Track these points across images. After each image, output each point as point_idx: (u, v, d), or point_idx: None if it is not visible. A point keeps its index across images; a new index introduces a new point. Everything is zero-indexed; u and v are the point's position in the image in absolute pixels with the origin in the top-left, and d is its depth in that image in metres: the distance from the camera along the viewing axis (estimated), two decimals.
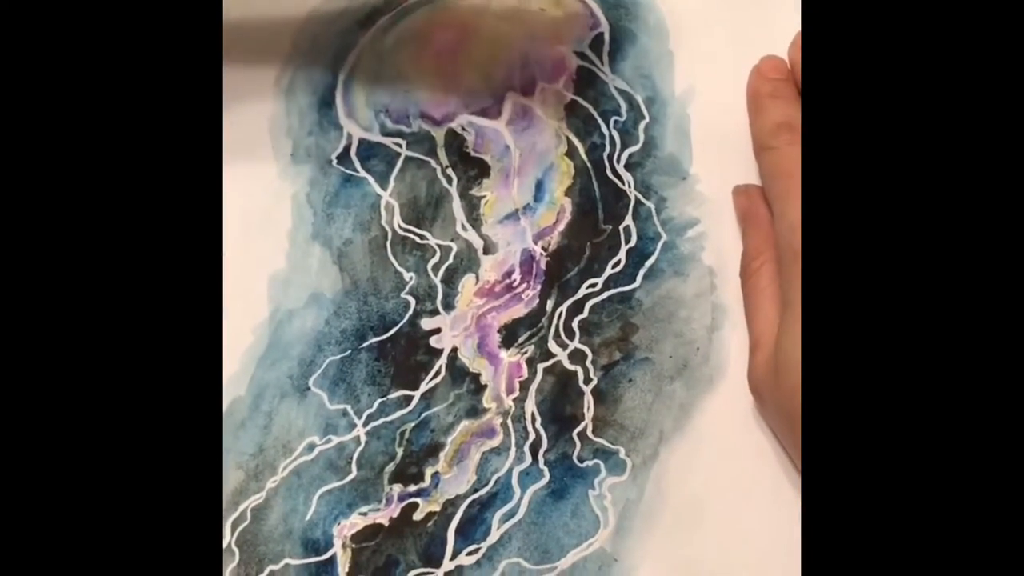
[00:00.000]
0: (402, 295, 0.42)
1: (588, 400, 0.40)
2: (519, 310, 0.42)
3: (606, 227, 0.42)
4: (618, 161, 0.43)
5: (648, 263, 0.42)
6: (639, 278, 0.41)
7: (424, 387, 0.41)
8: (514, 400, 0.40)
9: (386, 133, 0.44)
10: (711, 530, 0.38)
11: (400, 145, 0.44)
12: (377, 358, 0.41)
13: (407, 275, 0.42)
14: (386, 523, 0.39)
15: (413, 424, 0.40)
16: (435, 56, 0.45)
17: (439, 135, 0.44)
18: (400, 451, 0.40)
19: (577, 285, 0.42)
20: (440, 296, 0.42)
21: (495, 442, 0.40)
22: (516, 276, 0.42)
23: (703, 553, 0.38)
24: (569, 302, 0.41)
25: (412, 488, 0.40)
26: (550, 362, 0.41)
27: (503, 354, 0.41)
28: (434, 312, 0.42)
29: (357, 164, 0.44)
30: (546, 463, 0.39)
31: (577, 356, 0.41)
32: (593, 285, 0.41)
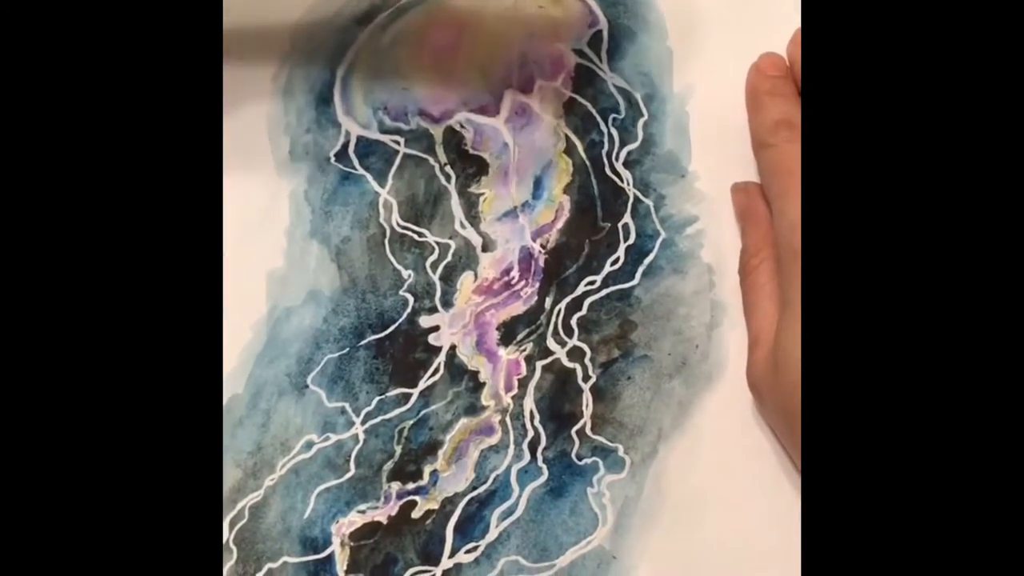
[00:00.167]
0: (400, 293, 0.42)
1: (587, 398, 0.40)
2: (518, 308, 0.41)
3: (605, 224, 0.42)
4: (617, 159, 0.43)
5: (647, 260, 0.42)
6: (638, 275, 0.41)
7: (422, 385, 0.41)
8: (513, 398, 0.40)
9: (384, 130, 0.44)
10: (710, 528, 0.38)
11: (398, 142, 0.44)
12: (375, 356, 0.41)
13: (405, 273, 0.42)
14: (384, 521, 0.39)
15: (411, 422, 0.40)
16: (433, 53, 0.45)
17: (437, 132, 0.44)
18: (398, 449, 0.40)
19: (576, 282, 0.42)
20: (439, 294, 0.42)
21: (494, 440, 0.40)
22: (515, 274, 0.42)
23: (702, 550, 0.38)
24: (568, 299, 0.41)
25: (410, 486, 0.39)
26: (549, 360, 0.41)
27: (502, 352, 0.41)
28: (432, 310, 0.42)
29: (355, 162, 0.44)
30: (545, 461, 0.39)
31: (576, 354, 0.41)
32: (592, 283, 0.41)
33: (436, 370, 0.41)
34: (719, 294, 0.41)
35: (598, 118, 0.44)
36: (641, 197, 0.42)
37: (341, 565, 0.39)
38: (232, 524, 0.39)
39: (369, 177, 0.44)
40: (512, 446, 0.40)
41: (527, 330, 0.41)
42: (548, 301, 0.41)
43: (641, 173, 0.43)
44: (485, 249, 0.42)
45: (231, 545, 0.39)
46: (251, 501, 0.39)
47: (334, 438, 0.40)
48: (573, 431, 0.40)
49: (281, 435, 0.40)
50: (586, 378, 0.40)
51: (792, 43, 0.41)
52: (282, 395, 0.41)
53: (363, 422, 0.40)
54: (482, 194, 0.43)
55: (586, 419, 0.40)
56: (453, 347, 0.41)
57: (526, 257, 0.42)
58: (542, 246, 0.42)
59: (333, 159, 0.44)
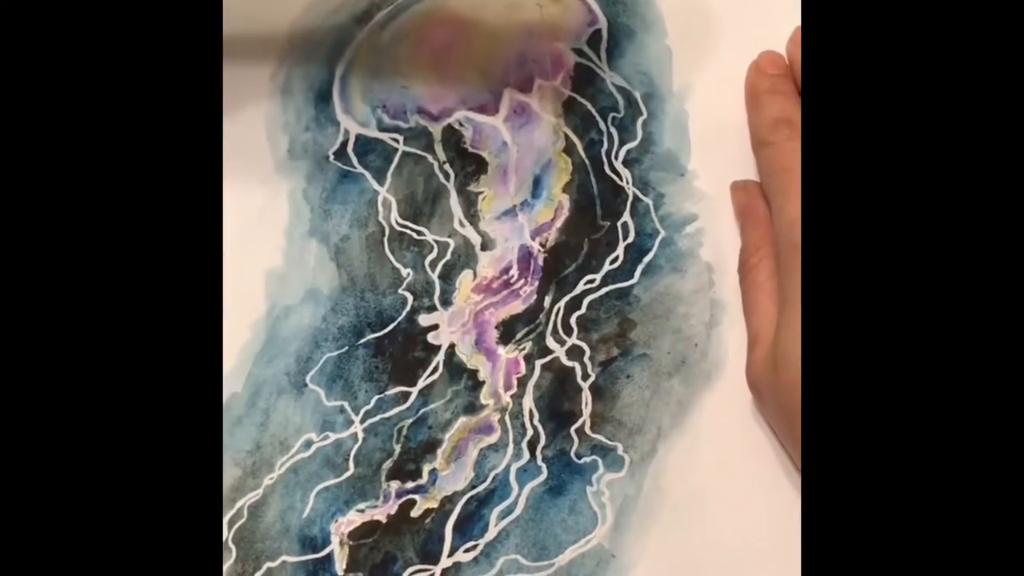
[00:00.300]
0: (399, 291, 0.42)
1: (586, 396, 0.40)
2: (517, 306, 0.41)
3: (604, 223, 0.42)
4: (616, 157, 0.43)
5: (646, 259, 0.41)
6: (637, 274, 0.41)
7: (422, 383, 0.41)
8: (512, 396, 0.40)
9: (383, 129, 0.44)
10: (709, 526, 0.38)
11: (397, 141, 0.44)
12: (374, 354, 0.41)
13: (404, 271, 0.42)
14: (384, 520, 0.39)
15: (411, 421, 0.40)
16: (432, 52, 0.45)
17: (437, 131, 0.44)
18: (398, 448, 0.40)
19: (575, 281, 0.41)
20: (438, 292, 0.42)
21: (493, 439, 0.40)
22: (514, 272, 0.42)
23: (701, 549, 0.38)
24: (567, 298, 0.41)
25: (410, 485, 0.39)
26: (548, 358, 0.41)
27: (501, 350, 0.41)
28: (432, 308, 0.42)
29: (354, 160, 0.44)
30: (544, 459, 0.39)
31: (575, 352, 0.41)
32: (591, 281, 0.41)
33: (435, 369, 0.41)
34: (718, 293, 0.41)
35: (597, 117, 0.44)
36: (640, 196, 0.42)
37: (340, 564, 0.39)
38: (231, 523, 0.39)
39: (368, 175, 0.44)
40: (511, 445, 0.40)
41: (526, 329, 0.41)
42: (547, 300, 0.41)
43: (640, 172, 0.43)
44: (484, 248, 0.42)
45: (230, 544, 0.39)
46: (250, 500, 0.39)
47: (333, 437, 0.40)
48: (572, 430, 0.40)
49: (280, 434, 0.40)
50: (585, 377, 0.40)
51: (791, 41, 0.41)
52: (281, 394, 0.41)
53: (362, 421, 0.40)
54: (481, 192, 0.43)
55: (585, 418, 0.40)
56: (452, 346, 0.41)
57: (525, 256, 0.42)
58: (541, 245, 0.42)
59: (332, 157, 0.44)
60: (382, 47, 0.45)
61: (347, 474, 0.40)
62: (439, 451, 0.40)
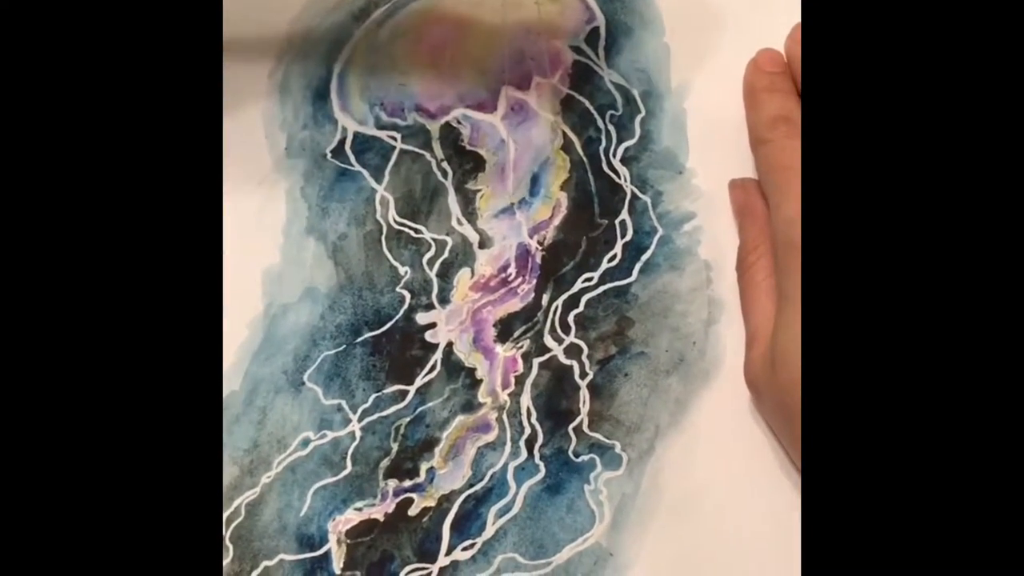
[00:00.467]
0: (397, 289, 0.42)
1: (584, 395, 0.40)
2: (514, 304, 0.41)
3: (602, 221, 0.42)
4: (614, 155, 0.43)
5: (644, 257, 0.41)
6: (635, 272, 0.41)
7: (419, 382, 0.41)
8: (509, 395, 0.40)
9: (381, 127, 0.44)
10: (707, 525, 0.38)
11: (395, 139, 0.44)
12: (372, 353, 0.41)
13: (402, 269, 0.42)
14: (381, 518, 0.39)
15: (408, 419, 0.40)
16: (430, 49, 0.45)
17: (434, 129, 0.44)
18: (395, 446, 0.40)
19: (573, 279, 0.41)
20: (435, 290, 0.42)
21: (490, 437, 0.40)
22: (512, 270, 0.42)
23: (699, 548, 0.38)
24: (565, 296, 0.41)
25: (407, 483, 0.39)
26: (545, 357, 0.41)
27: (498, 349, 0.41)
28: (429, 306, 0.42)
29: (352, 158, 0.44)
30: (542, 458, 0.39)
31: (573, 351, 0.41)
32: (589, 279, 0.41)
33: (433, 367, 0.41)
34: (716, 291, 0.41)
35: (595, 115, 0.44)
36: (638, 194, 0.42)
37: (337, 563, 0.39)
38: (228, 522, 0.39)
39: (366, 173, 0.43)
40: (509, 443, 0.40)
41: (524, 327, 0.41)
42: (545, 298, 0.41)
43: (638, 170, 0.43)
44: (482, 246, 0.42)
45: (227, 542, 0.39)
46: (247, 499, 0.39)
47: (331, 435, 0.40)
48: (570, 428, 0.40)
49: (278, 432, 0.40)
50: (583, 375, 0.40)
51: (790, 39, 0.41)
52: (279, 392, 0.41)
53: (360, 419, 0.40)
54: (479, 190, 0.43)
55: (583, 416, 0.40)
56: (450, 344, 0.41)
57: (523, 254, 0.42)
58: (539, 243, 0.42)
59: (330, 155, 0.44)
60: (380, 45, 0.45)
61: (345, 472, 0.40)
62: (437, 449, 0.40)
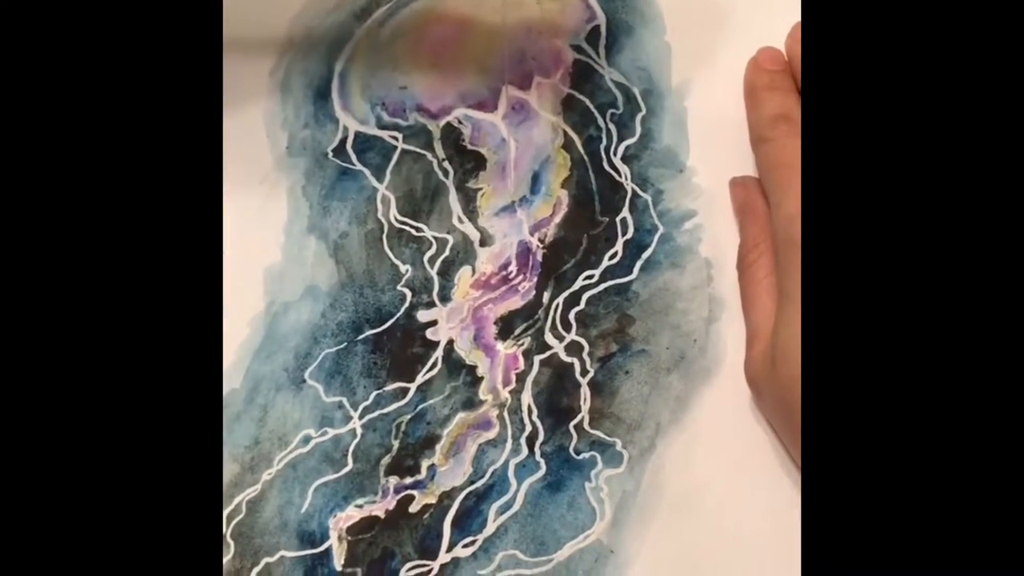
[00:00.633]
0: (398, 287, 0.42)
1: (585, 392, 0.40)
2: (515, 302, 0.41)
3: (603, 219, 0.42)
4: (615, 153, 0.43)
5: (645, 255, 0.41)
6: (636, 270, 0.41)
7: (420, 379, 0.41)
8: (510, 392, 0.40)
9: (382, 126, 0.44)
10: (707, 522, 0.38)
11: (396, 138, 0.44)
12: (373, 350, 0.41)
13: (403, 267, 0.42)
14: (382, 515, 0.39)
15: (409, 416, 0.40)
16: (431, 49, 0.45)
17: (435, 128, 0.44)
18: (396, 443, 0.40)
19: (574, 277, 0.41)
20: (436, 288, 0.42)
21: (491, 434, 0.40)
22: (512, 268, 0.42)
23: (699, 545, 0.38)
24: (566, 294, 0.41)
25: (408, 480, 0.39)
26: (546, 354, 0.41)
27: (499, 346, 0.41)
28: (430, 304, 0.42)
29: (353, 157, 0.44)
30: (542, 455, 0.39)
31: (574, 348, 0.41)
32: (590, 277, 0.41)
33: (434, 364, 0.41)
34: (717, 289, 0.41)
35: (596, 113, 0.44)
36: (639, 192, 0.42)
37: (338, 559, 0.39)
38: (229, 519, 0.39)
39: (367, 172, 0.44)
40: (510, 440, 0.40)
41: (525, 324, 0.41)
42: (546, 296, 0.41)
43: (639, 168, 0.43)
44: (483, 244, 0.42)
45: (228, 539, 0.39)
46: (248, 496, 0.39)
47: (332, 432, 0.40)
48: (571, 425, 0.40)
49: (278, 430, 0.40)
50: (584, 372, 0.40)
51: (790, 37, 0.41)
52: (279, 390, 0.41)
53: (361, 416, 0.40)
54: (480, 189, 0.43)
55: (584, 413, 0.40)
56: (451, 341, 0.41)
57: (524, 252, 0.42)
58: (540, 241, 0.42)
59: (331, 154, 0.44)
60: (381, 44, 0.45)
61: (345, 470, 0.40)
62: (438, 447, 0.40)
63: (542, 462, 0.39)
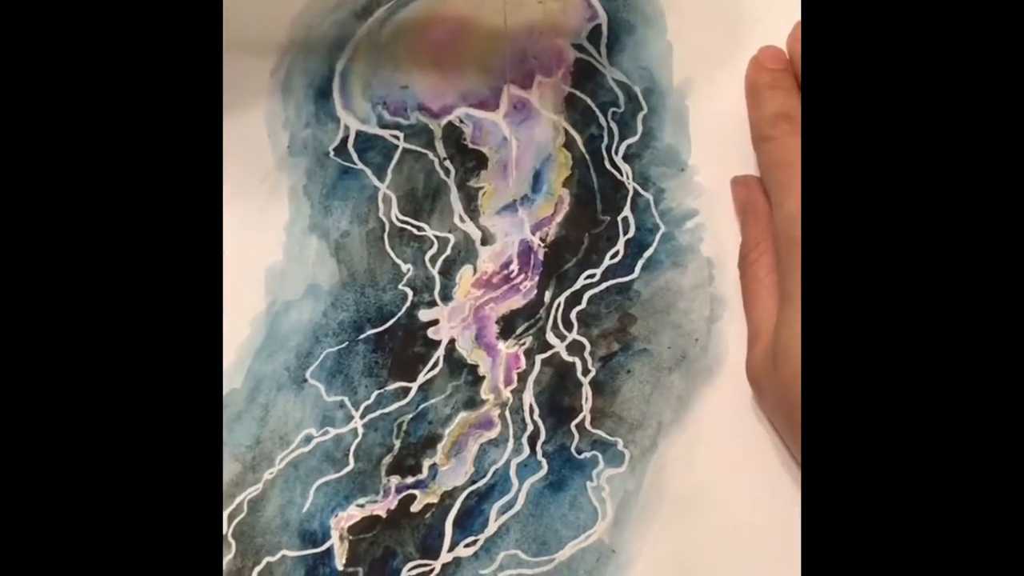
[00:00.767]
0: (400, 286, 0.42)
1: (586, 391, 0.40)
2: (517, 301, 0.41)
3: (604, 218, 0.42)
4: (616, 152, 0.43)
5: (646, 254, 0.41)
6: (637, 269, 0.41)
7: (422, 379, 0.41)
8: (512, 391, 0.40)
9: (383, 125, 0.44)
10: (709, 521, 0.38)
11: (398, 138, 0.44)
12: (374, 350, 0.41)
13: (404, 266, 0.42)
14: (383, 515, 0.39)
15: (411, 416, 0.40)
16: (432, 48, 0.45)
17: (437, 127, 0.44)
18: (397, 443, 0.40)
19: (575, 276, 0.41)
20: (438, 287, 0.42)
21: (493, 434, 0.40)
22: (514, 267, 0.42)
23: (701, 544, 0.38)
24: (567, 293, 0.41)
25: (410, 480, 0.39)
26: (548, 353, 0.41)
27: (501, 345, 0.41)
28: (432, 303, 0.42)
29: (354, 156, 0.44)
30: (544, 455, 0.39)
31: (575, 347, 0.41)
32: (591, 276, 0.41)
33: (435, 364, 0.41)
34: (719, 288, 0.41)
35: (597, 112, 0.44)
36: (641, 191, 0.42)
37: (340, 559, 0.39)
38: (231, 518, 0.39)
39: (368, 172, 0.44)
40: (511, 440, 0.40)
41: (526, 324, 0.41)
42: (547, 295, 0.41)
43: (640, 167, 0.43)
44: (484, 243, 0.42)
45: (230, 539, 0.39)
46: (250, 495, 0.39)
47: (333, 432, 0.40)
48: (572, 425, 0.40)
49: (280, 429, 0.40)
50: (585, 372, 0.40)
51: (792, 36, 0.41)
52: (281, 389, 0.41)
53: (362, 416, 0.40)
54: (481, 188, 0.43)
55: (585, 413, 0.40)
56: (452, 341, 0.41)
57: (525, 251, 0.42)
58: (541, 240, 0.42)
59: (332, 154, 0.44)
60: (382, 43, 0.45)
61: (347, 469, 0.40)
62: (439, 446, 0.40)
63: (544, 462, 0.39)
